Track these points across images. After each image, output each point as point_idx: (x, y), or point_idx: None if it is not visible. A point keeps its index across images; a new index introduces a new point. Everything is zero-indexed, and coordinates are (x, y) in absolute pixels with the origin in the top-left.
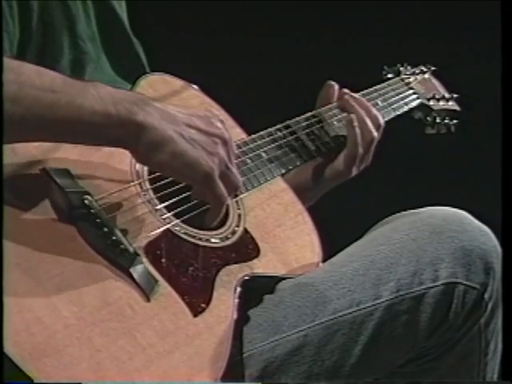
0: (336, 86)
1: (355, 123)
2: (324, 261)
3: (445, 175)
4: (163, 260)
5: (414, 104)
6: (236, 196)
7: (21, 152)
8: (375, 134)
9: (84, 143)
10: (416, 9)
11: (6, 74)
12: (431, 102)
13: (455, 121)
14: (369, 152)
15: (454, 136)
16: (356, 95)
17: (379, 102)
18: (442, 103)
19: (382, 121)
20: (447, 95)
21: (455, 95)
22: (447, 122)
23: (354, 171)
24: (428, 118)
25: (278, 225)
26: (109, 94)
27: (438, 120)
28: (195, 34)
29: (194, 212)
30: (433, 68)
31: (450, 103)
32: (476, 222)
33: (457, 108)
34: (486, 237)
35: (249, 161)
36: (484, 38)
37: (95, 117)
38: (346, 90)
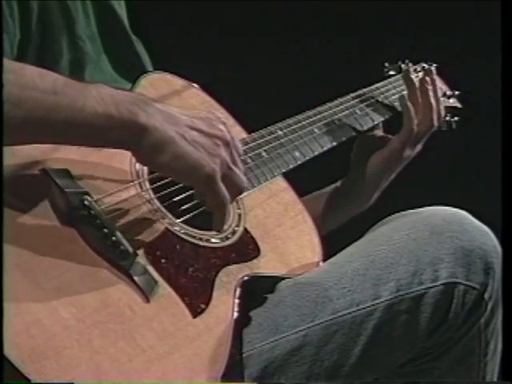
0: None
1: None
2: (324, 260)
3: (445, 175)
4: (163, 260)
5: None
6: None
7: (20, 153)
8: (436, 123)
9: (86, 145)
10: (417, 6)
11: (7, 76)
12: None
13: (456, 118)
14: (423, 137)
15: (454, 136)
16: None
17: (380, 100)
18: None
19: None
20: (449, 92)
21: (457, 92)
22: (448, 120)
23: (408, 152)
24: None
25: (278, 224)
26: (110, 96)
27: None
28: (195, 34)
29: (194, 212)
30: (434, 65)
31: (452, 100)
32: (476, 221)
33: (458, 105)
34: (485, 237)
35: (249, 160)
36: (484, 38)
37: (97, 119)
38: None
